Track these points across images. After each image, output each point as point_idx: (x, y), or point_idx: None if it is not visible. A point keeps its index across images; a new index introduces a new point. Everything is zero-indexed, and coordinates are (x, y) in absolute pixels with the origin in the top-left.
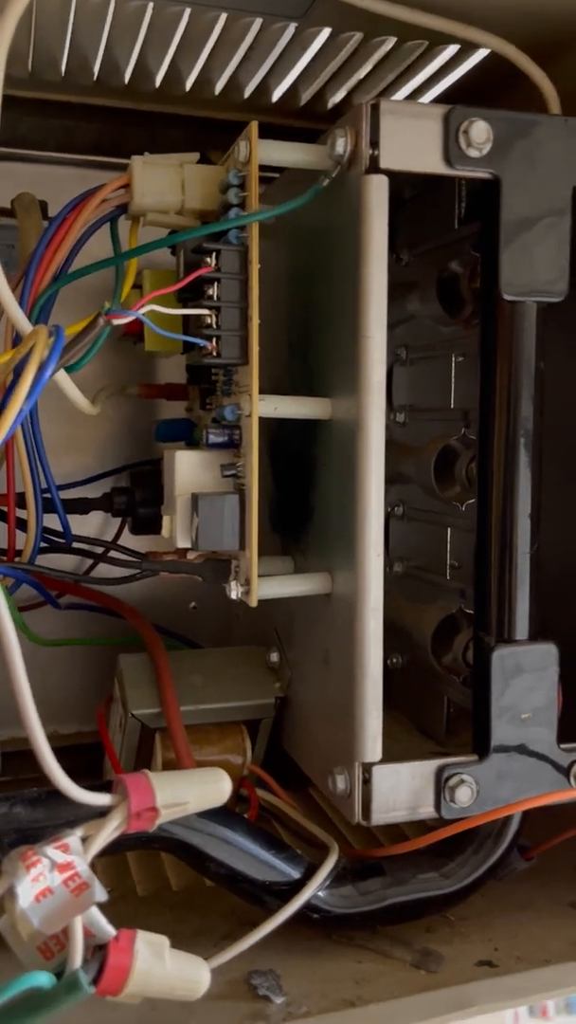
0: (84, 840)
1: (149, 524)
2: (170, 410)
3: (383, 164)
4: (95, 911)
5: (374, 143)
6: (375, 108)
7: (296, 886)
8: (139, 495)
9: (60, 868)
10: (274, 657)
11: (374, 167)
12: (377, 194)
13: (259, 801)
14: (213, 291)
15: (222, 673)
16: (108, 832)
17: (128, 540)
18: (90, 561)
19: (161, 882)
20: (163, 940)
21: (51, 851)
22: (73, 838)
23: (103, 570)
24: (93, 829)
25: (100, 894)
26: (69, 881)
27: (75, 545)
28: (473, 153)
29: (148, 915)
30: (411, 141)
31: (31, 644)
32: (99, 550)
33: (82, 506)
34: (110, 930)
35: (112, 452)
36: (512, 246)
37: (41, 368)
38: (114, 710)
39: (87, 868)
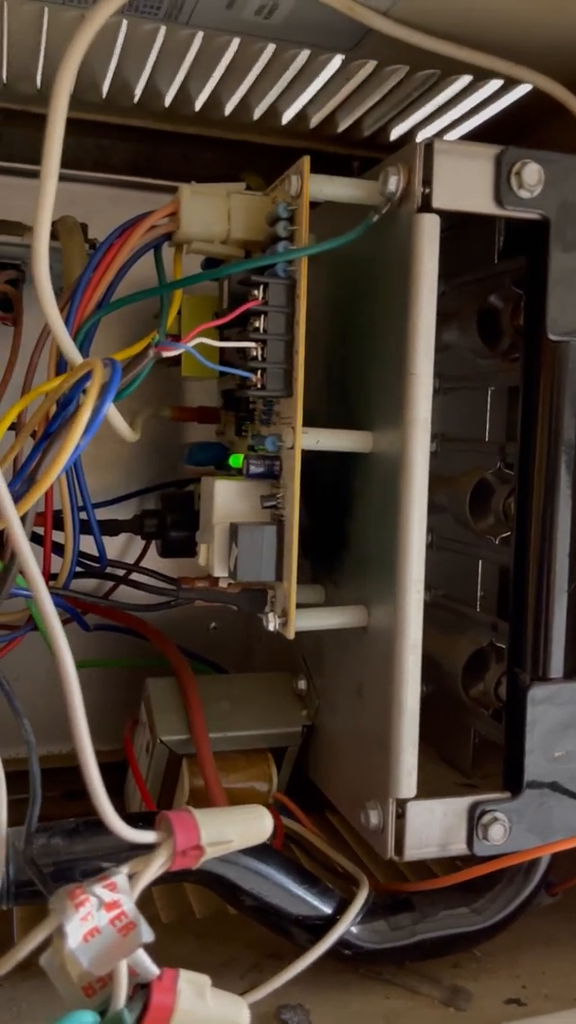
0: (130, 878)
1: (179, 548)
2: (197, 432)
3: (435, 203)
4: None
5: (427, 182)
6: (429, 147)
7: (328, 921)
8: (170, 518)
9: (107, 907)
10: (302, 684)
11: (426, 206)
12: (429, 233)
13: (283, 829)
14: (260, 324)
15: (249, 700)
16: (154, 870)
17: (151, 561)
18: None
19: (184, 908)
20: (205, 979)
21: (99, 890)
22: (120, 876)
23: (127, 594)
24: (139, 866)
25: (147, 934)
26: (116, 920)
27: (108, 571)
28: (524, 194)
29: (173, 943)
30: (463, 181)
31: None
32: (132, 575)
33: (112, 527)
34: (154, 969)
35: (137, 472)
36: (559, 287)
37: (99, 403)
38: (140, 733)
39: (134, 907)
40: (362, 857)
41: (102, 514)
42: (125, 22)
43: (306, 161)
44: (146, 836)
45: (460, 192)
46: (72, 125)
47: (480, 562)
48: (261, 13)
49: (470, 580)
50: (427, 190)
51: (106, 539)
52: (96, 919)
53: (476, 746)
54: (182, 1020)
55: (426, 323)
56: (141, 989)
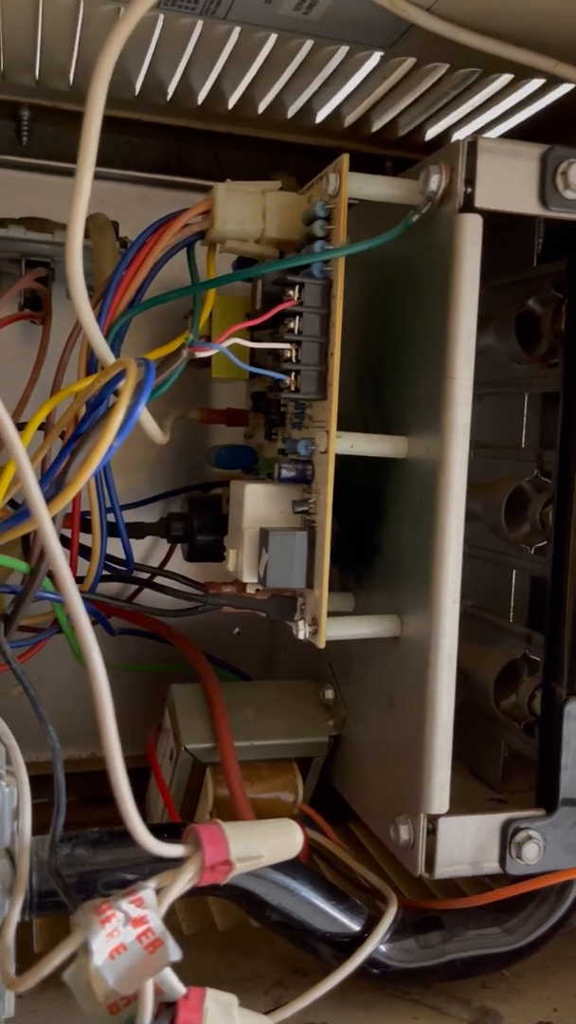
0: (157, 892)
1: (206, 552)
2: (224, 434)
3: (478, 203)
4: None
5: (469, 181)
6: (472, 145)
7: (356, 939)
8: (197, 522)
9: (134, 923)
10: (329, 694)
11: (468, 206)
12: (471, 234)
13: (309, 841)
14: (294, 324)
15: (275, 708)
16: (182, 885)
17: (176, 565)
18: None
19: (207, 920)
20: (232, 999)
21: (126, 904)
22: (148, 891)
23: (150, 598)
24: (166, 881)
25: (174, 952)
26: (143, 937)
27: (134, 574)
28: (570, 195)
29: (195, 957)
30: (507, 181)
31: (78, 666)
32: (157, 579)
33: (139, 530)
34: (180, 988)
35: (163, 474)
36: None
37: (133, 403)
38: (163, 739)
39: (161, 924)
40: (387, 871)
41: (128, 516)
42: (162, 16)
43: (345, 159)
44: (174, 850)
45: (503, 192)
46: (102, 122)
47: (514, 572)
48: (300, 8)
49: (503, 590)
50: (469, 189)
51: (131, 542)
52: (122, 935)
53: (506, 760)
54: None
55: (467, 326)
56: (167, 1008)
